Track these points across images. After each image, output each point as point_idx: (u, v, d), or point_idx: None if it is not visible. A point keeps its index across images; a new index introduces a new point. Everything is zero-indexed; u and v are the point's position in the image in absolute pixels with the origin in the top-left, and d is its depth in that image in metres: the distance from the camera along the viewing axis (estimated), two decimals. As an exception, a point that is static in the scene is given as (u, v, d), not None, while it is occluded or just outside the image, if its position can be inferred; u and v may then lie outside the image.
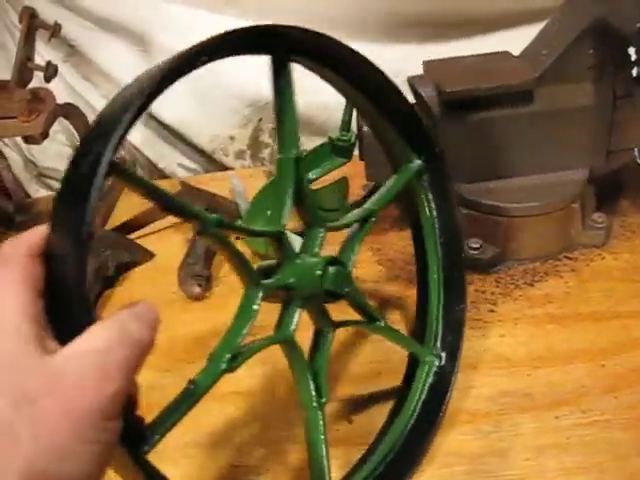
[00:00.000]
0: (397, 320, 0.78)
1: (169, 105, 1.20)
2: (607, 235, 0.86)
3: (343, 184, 0.90)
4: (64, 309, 0.40)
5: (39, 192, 1.28)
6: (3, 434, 0.35)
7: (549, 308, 0.79)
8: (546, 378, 0.71)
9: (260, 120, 1.19)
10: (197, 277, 0.84)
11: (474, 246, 0.83)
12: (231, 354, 0.52)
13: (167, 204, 0.48)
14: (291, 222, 0.58)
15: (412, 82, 0.82)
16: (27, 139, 0.92)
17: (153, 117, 1.21)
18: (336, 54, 0.58)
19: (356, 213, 0.65)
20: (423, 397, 0.67)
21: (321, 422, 0.59)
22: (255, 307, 0.54)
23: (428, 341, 0.69)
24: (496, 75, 0.81)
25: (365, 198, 0.93)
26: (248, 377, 0.74)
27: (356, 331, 0.77)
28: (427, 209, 0.69)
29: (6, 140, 1.25)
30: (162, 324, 0.82)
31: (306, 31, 0.54)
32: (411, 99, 0.84)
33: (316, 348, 0.62)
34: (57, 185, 1.27)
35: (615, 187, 0.91)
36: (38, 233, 0.42)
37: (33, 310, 0.40)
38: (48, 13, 1.07)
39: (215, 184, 1.03)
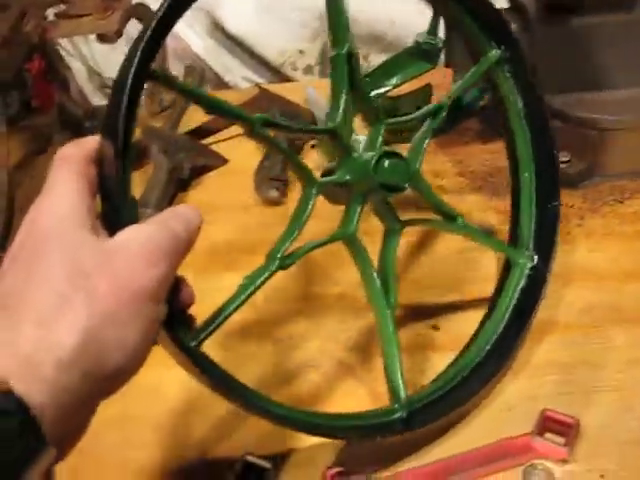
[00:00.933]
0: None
1: (236, 16, 1.17)
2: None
3: (427, 91, 0.87)
4: (110, 208, 0.44)
5: (102, 104, 1.26)
6: (61, 303, 0.38)
7: (639, 226, 0.76)
8: (637, 294, 0.69)
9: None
10: (274, 181, 0.82)
11: (563, 159, 0.79)
12: (284, 253, 0.54)
13: (210, 105, 0.50)
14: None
15: (508, -17, 0.78)
16: (101, 37, 0.90)
17: (219, 27, 1.18)
18: None
19: (424, 109, 0.64)
20: (514, 301, 0.65)
21: (390, 322, 0.58)
22: (309, 205, 0.56)
23: (521, 243, 0.67)
24: (597, -22, 0.77)
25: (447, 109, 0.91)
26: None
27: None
28: (511, 96, 0.67)
29: (70, 49, 1.23)
30: (239, 228, 0.82)
31: None
32: (505, 3, 0.80)
33: (384, 248, 0.61)
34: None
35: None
36: (94, 140, 0.45)
37: (88, 202, 0.43)
38: None
39: (288, 93, 1.00)
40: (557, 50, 0.77)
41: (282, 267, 0.54)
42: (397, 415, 0.57)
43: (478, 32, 0.64)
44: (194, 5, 1.22)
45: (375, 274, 0.59)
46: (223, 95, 1.10)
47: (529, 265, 0.66)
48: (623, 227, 0.76)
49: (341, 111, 0.57)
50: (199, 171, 0.89)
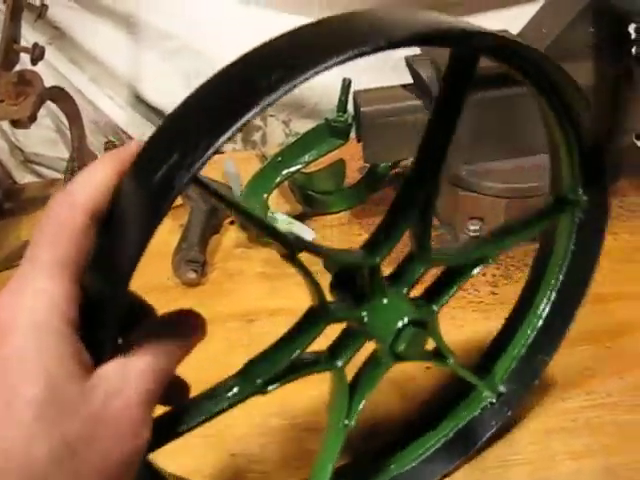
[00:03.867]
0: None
1: (158, 88, 1.18)
2: (607, 215, 0.85)
3: (340, 166, 0.89)
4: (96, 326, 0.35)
5: (26, 178, 1.25)
6: None
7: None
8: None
9: (251, 102, 1.17)
10: (192, 262, 0.82)
11: (473, 228, 0.82)
12: (268, 378, 0.47)
13: (248, 218, 0.43)
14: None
15: (410, 62, 0.80)
16: (15, 123, 0.90)
17: (142, 101, 1.19)
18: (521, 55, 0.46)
19: (469, 249, 0.55)
20: (461, 425, 0.62)
21: (339, 445, 0.53)
22: (313, 335, 0.48)
23: (492, 377, 0.62)
24: (495, 54, 0.79)
25: (362, 180, 0.92)
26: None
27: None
28: (562, 252, 0.59)
29: (-9, 126, 1.23)
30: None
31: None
32: (409, 79, 0.83)
33: (368, 372, 0.53)
34: (44, 171, 1.25)
35: (614, 167, 0.90)
36: (100, 195, 0.35)
37: (69, 305, 0.34)
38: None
39: (207, 167, 1.00)
40: (461, 123, 0.79)
41: (261, 393, 0.47)
42: None
43: (569, 169, 0.55)
44: (113, 77, 1.23)
45: (347, 398, 0.52)
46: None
47: (489, 400, 0.62)
48: (535, 292, 0.78)
49: (393, 245, 0.48)
50: (118, 253, 0.88)
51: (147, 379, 0.36)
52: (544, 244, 0.61)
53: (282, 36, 0.37)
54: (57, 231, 0.35)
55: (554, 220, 0.58)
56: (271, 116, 1.19)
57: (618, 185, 0.90)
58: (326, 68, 0.33)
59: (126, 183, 0.36)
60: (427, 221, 0.49)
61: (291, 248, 0.44)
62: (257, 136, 1.21)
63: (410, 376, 0.69)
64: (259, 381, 0.47)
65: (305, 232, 0.84)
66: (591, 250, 0.58)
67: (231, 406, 0.46)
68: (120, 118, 1.21)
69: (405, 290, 0.52)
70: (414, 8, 0.42)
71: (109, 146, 1.09)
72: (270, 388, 0.47)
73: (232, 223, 0.90)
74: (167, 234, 0.90)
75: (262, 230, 0.43)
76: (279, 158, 0.83)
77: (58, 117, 1.18)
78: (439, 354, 0.55)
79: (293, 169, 0.83)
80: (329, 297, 0.49)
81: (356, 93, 0.81)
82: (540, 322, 0.61)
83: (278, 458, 0.64)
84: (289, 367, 0.48)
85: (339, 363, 0.51)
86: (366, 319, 0.49)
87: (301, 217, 0.89)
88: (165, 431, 0.44)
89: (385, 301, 0.49)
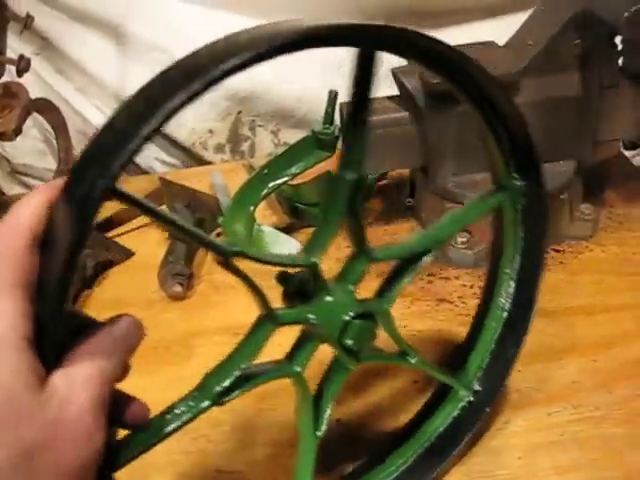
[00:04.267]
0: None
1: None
2: (595, 227, 0.85)
3: (327, 178, 0.88)
4: (44, 336, 0.37)
5: (14, 189, 1.24)
6: None
7: (538, 302, 0.77)
8: (537, 374, 0.70)
9: (239, 113, 1.17)
10: (178, 276, 0.81)
11: (461, 240, 0.81)
12: (222, 387, 0.47)
13: (181, 231, 0.42)
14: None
15: (396, 73, 0.80)
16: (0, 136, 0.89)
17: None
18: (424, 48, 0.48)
19: (414, 241, 0.56)
20: (442, 429, 0.62)
21: (312, 454, 0.53)
22: (262, 340, 0.48)
23: (466, 374, 0.63)
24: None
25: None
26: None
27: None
28: (512, 240, 0.60)
29: (-22, 137, 1.22)
30: (146, 326, 0.81)
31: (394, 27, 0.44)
32: (395, 91, 0.82)
33: (330, 378, 0.54)
34: (32, 182, 1.25)
35: (601, 178, 0.90)
36: (37, 216, 0.37)
37: (23, 322, 0.36)
38: (19, 5, 1.05)
39: (195, 179, 1.01)
40: (448, 135, 0.79)
41: (217, 404, 0.47)
42: None
43: (500, 158, 0.57)
44: (101, 87, 1.23)
45: (312, 405, 0.53)
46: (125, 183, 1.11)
47: (467, 399, 0.62)
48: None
49: (327, 243, 0.49)
50: (104, 266, 0.88)
51: (91, 384, 0.37)
52: (496, 237, 0.62)
53: (199, 48, 0.40)
54: (1, 253, 0.37)
55: (497, 207, 0.59)
56: (260, 126, 1.19)
57: (605, 196, 0.90)
58: (223, 74, 0.36)
59: (57, 204, 0.38)
60: (357, 215, 0.49)
61: (224, 255, 0.44)
62: (245, 146, 1.20)
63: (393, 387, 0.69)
64: (215, 391, 0.47)
65: (292, 244, 0.83)
66: (538, 234, 0.60)
67: (188, 421, 0.46)
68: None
69: (351, 287, 0.52)
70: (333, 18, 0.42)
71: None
72: (226, 399, 0.47)
73: (219, 235, 0.89)
74: (153, 246, 0.90)
75: (190, 238, 0.43)
76: (265, 170, 0.82)
77: (46, 128, 1.17)
78: (403, 353, 0.56)
79: (280, 181, 0.82)
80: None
81: (342, 105, 0.81)
82: (504, 314, 0.63)
83: (264, 474, 0.63)
84: (245, 376, 0.48)
85: (297, 368, 0.52)
86: (314, 320, 0.50)
87: (288, 229, 0.89)
88: (124, 451, 0.44)
89: (329, 299, 0.50)
